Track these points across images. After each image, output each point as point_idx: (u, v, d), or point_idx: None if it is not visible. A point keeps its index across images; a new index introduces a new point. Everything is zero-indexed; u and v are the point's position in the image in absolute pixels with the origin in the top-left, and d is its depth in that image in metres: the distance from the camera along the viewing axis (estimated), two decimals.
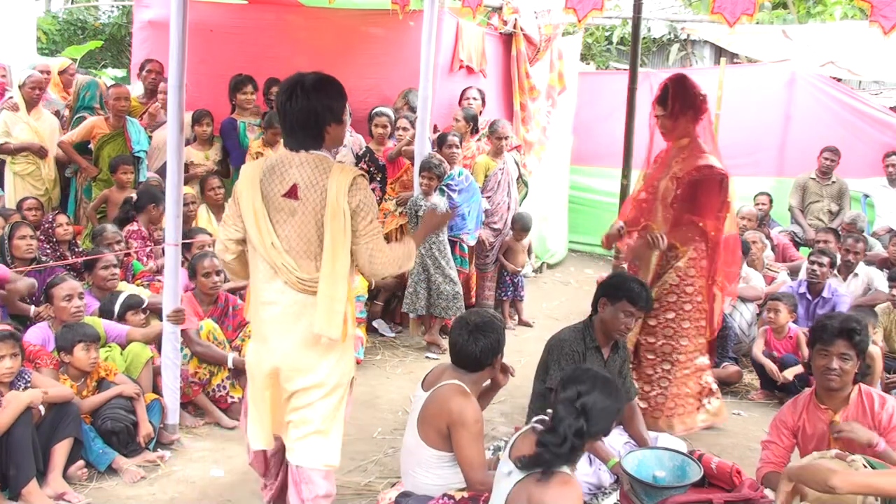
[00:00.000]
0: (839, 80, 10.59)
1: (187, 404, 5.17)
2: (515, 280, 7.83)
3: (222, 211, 7.20)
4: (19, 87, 7.24)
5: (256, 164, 3.47)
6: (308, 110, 3.33)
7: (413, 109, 7.52)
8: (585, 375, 3.03)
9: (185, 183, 5.92)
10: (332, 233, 3.27)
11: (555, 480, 2.88)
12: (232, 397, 5.30)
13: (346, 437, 4.91)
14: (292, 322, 3.36)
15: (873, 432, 3.54)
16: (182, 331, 4.89)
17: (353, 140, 7.62)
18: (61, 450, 4.20)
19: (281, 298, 3.37)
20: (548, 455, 2.87)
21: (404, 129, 7.36)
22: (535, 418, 3.17)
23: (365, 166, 7.47)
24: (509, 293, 7.81)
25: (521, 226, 7.68)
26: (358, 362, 6.25)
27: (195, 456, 4.72)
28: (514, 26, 9.17)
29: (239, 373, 5.35)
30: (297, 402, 3.41)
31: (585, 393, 2.93)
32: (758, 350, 6.16)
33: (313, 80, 3.39)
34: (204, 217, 7.06)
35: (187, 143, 6.97)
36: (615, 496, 4.01)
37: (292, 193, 3.33)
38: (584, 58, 12.94)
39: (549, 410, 3.07)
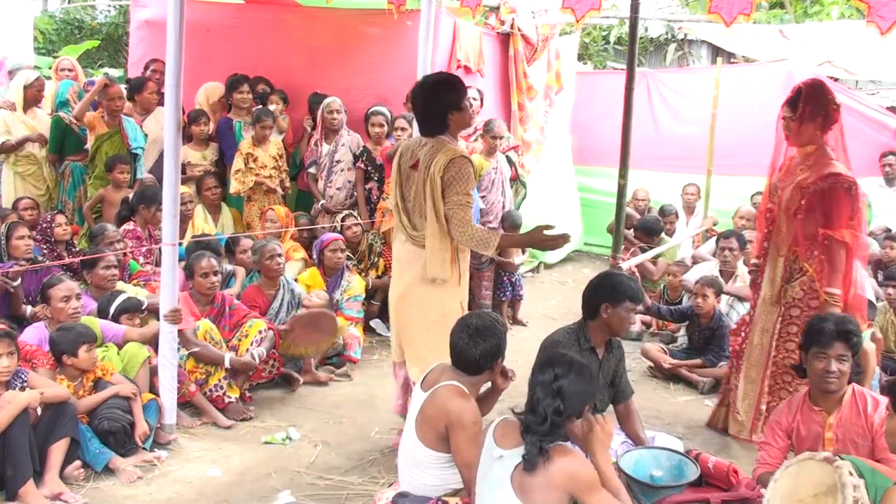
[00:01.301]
0: (836, 79, 10.60)
1: (184, 404, 5.17)
2: (514, 280, 7.82)
3: (219, 211, 7.24)
4: (25, 87, 7.28)
5: (400, 144, 4.75)
6: (428, 107, 4.31)
7: None
8: (561, 360, 3.22)
9: (182, 183, 5.91)
10: (430, 198, 4.19)
11: (555, 453, 3.04)
12: (229, 397, 5.29)
13: (343, 436, 5.02)
14: (406, 267, 4.44)
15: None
16: (179, 331, 4.89)
17: (351, 139, 7.61)
18: (58, 450, 4.19)
19: (402, 248, 4.47)
20: (533, 436, 3.05)
21: (402, 128, 7.35)
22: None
23: (362, 166, 7.47)
24: (508, 294, 7.79)
25: (510, 223, 7.67)
26: (355, 362, 6.29)
27: (192, 456, 4.71)
28: (512, 26, 9.16)
29: (236, 372, 5.37)
30: (408, 331, 4.48)
31: (562, 376, 3.14)
32: None
33: (432, 81, 4.38)
34: (200, 217, 7.06)
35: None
36: None
37: (415, 166, 4.31)
38: (581, 57, 12.95)
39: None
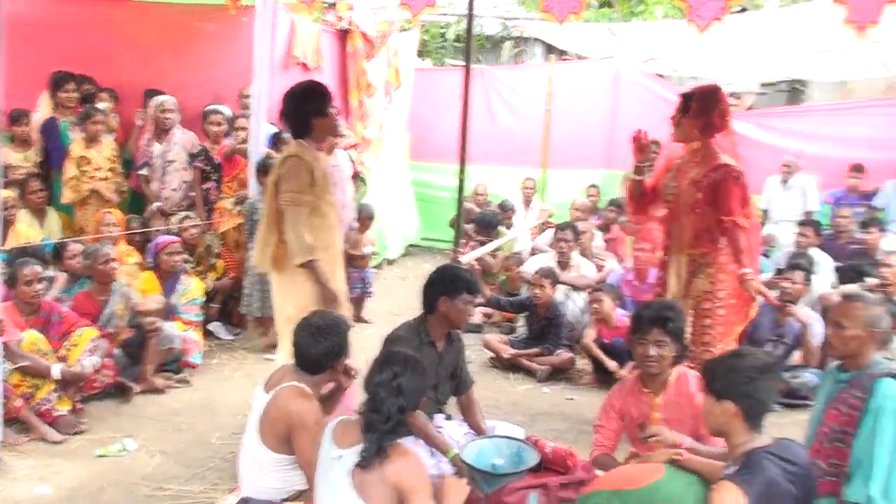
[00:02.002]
0: (661, 76, 11.13)
1: (10, 421, 4.88)
2: (364, 276, 7.80)
3: (44, 215, 6.89)
4: None
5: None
6: (294, 112, 4.44)
7: None
8: (396, 357, 3.29)
9: (4, 186, 5.59)
10: (267, 193, 4.45)
11: (394, 453, 3.11)
12: (59, 410, 5.04)
13: (182, 444, 4.90)
14: None
15: (679, 435, 3.64)
16: (3, 343, 4.63)
17: (185, 138, 7.41)
18: None
19: None
20: (377, 435, 3.09)
21: (242, 128, 7.22)
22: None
23: (200, 165, 7.29)
24: (357, 290, 7.75)
25: (367, 214, 7.69)
26: (194, 367, 6.14)
27: (19, 475, 4.46)
28: (350, 23, 9.15)
29: (67, 384, 5.13)
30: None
31: (400, 374, 3.19)
32: (588, 340, 6.41)
33: (299, 88, 4.50)
34: (24, 221, 6.69)
35: None
36: None
37: None
38: (420, 54, 13.07)
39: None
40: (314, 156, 4.43)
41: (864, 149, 9.53)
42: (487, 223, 8.95)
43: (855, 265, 7.51)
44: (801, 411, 5.44)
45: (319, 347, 3.62)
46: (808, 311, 6.28)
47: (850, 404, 3.42)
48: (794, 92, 13.48)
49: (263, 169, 6.48)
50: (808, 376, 5.94)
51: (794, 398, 5.92)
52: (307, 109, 4.43)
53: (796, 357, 6.26)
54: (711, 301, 4.83)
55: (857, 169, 9.31)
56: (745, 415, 2.96)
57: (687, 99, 4.83)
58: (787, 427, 5.24)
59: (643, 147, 5.00)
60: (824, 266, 7.62)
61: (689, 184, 4.82)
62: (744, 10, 11.24)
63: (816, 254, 7.68)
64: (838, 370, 3.63)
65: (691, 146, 4.90)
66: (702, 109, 4.76)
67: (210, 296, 6.93)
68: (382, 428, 3.09)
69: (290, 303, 4.43)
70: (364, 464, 3.06)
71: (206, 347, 6.56)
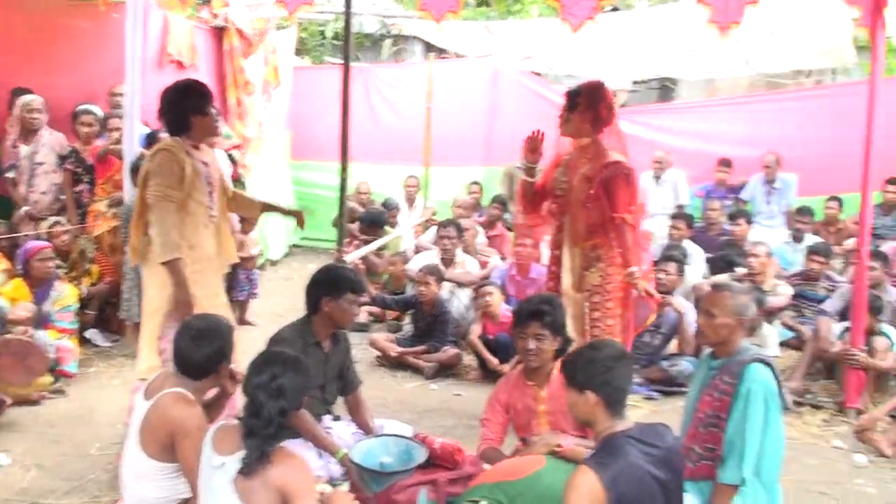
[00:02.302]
0: (538, 73, 11.35)
1: None
2: (251, 277, 7.67)
3: None
4: None
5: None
6: (172, 107, 4.35)
7: None
8: (276, 358, 3.22)
9: None
10: (138, 186, 4.35)
11: (277, 457, 3.03)
12: None
13: (59, 456, 4.75)
14: None
15: (555, 438, 3.63)
16: None
17: (53, 139, 7.13)
18: None
19: None
20: (258, 440, 3.01)
21: (117, 128, 7.00)
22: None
23: (70, 167, 7.04)
24: (244, 293, 7.62)
25: None
26: (70, 376, 5.93)
27: None
28: (226, 20, 8.99)
29: None
30: None
31: (280, 374, 3.11)
32: (474, 336, 6.50)
33: (179, 85, 4.43)
34: None
35: None
36: (345, 486, 4.06)
37: None
38: (298, 52, 12.94)
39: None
40: (187, 151, 4.32)
41: (731, 144, 9.96)
42: (374, 221, 8.95)
43: (725, 256, 7.88)
44: (679, 398, 5.62)
45: (201, 352, 3.53)
46: (682, 301, 6.53)
47: (722, 390, 3.58)
48: (664, 89, 13.97)
49: (137, 170, 6.29)
50: (685, 364, 6.18)
51: (672, 385, 6.16)
52: (186, 106, 4.33)
53: (673, 346, 6.50)
54: (601, 294, 4.89)
55: (725, 163, 9.74)
56: (606, 402, 3.00)
57: (573, 95, 4.90)
58: (666, 413, 5.46)
59: (535, 147, 5.08)
60: (696, 257, 7.98)
61: (581, 179, 4.87)
62: (615, 9, 11.59)
63: (689, 245, 8.05)
64: (710, 357, 3.79)
65: (580, 142, 4.95)
66: (589, 104, 4.84)
67: (85, 302, 6.70)
68: (263, 432, 3.02)
69: (148, 302, 4.35)
70: (246, 471, 2.99)
71: (82, 355, 6.33)
